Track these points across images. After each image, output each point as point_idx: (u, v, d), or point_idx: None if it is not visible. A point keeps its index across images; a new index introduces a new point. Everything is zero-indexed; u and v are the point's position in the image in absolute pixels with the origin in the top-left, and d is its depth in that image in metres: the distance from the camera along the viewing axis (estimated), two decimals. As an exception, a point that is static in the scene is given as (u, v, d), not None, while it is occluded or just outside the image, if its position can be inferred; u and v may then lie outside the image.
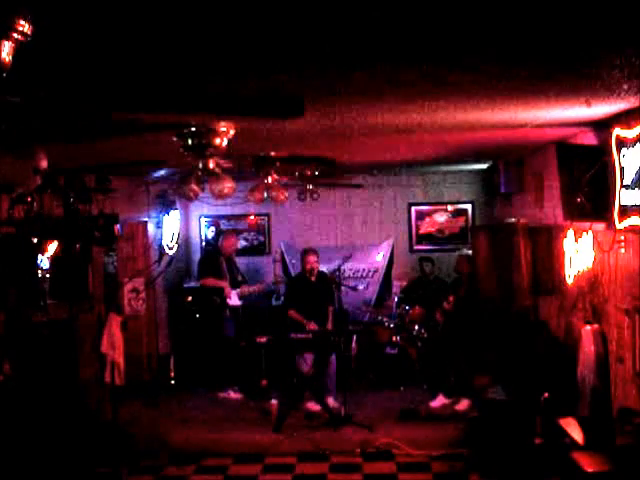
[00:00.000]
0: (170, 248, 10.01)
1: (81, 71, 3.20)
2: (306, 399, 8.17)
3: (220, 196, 5.31)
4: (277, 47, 2.93)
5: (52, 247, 6.37)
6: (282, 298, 10.34)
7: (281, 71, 3.41)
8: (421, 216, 11.42)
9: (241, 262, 10.58)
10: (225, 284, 9.15)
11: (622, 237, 5.14)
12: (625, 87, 3.94)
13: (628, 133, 4.71)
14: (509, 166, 8.62)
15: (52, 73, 3.17)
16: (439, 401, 8.19)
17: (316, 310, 8.39)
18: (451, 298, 8.76)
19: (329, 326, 8.42)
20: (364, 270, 10.58)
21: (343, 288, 9.14)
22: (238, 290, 9.17)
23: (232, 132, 4.75)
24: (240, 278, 9.46)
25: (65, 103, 3.84)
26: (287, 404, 7.95)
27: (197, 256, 11.06)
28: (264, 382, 8.91)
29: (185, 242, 11.24)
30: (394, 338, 9.23)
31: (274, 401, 8.01)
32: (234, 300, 9.11)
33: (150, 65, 3.18)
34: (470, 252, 8.99)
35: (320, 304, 8.41)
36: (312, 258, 8.47)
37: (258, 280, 10.36)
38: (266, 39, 2.80)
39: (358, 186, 10.91)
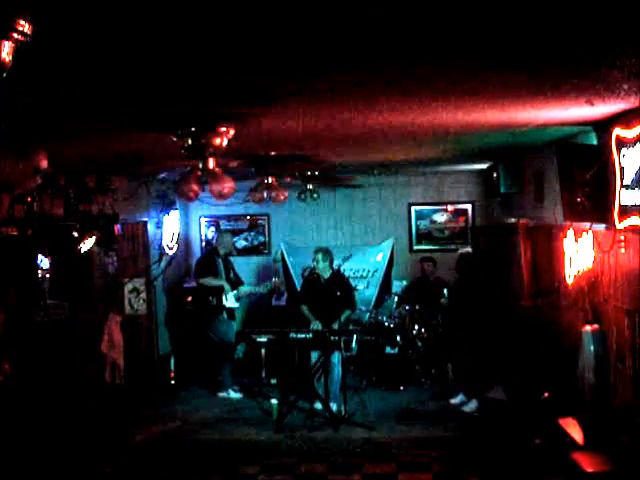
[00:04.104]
0: (170, 248, 10.01)
1: (81, 69, 3.20)
2: (309, 400, 8.18)
3: (220, 196, 5.30)
4: (277, 48, 2.93)
5: (90, 241, 6.37)
6: (282, 298, 10.37)
7: (281, 71, 3.41)
8: (421, 216, 11.43)
9: (241, 262, 10.59)
10: (223, 283, 9.12)
11: (622, 237, 5.14)
12: (625, 87, 3.94)
13: (628, 133, 4.71)
14: (509, 166, 8.61)
15: (54, 72, 3.18)
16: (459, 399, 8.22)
17: (324, 309, 8.35)
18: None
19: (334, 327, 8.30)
20: (364, 270, 10.59)
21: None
22: (235, 292, 9.14)
23: (232, 132, 4.74)
24: (235, 279, 9.44)
25: (65, 102, 3.85)
26: (287, 403, 7.95)
27: (197, 256, 11.06)
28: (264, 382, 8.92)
29: (185, 242, 11.25)
30: (394, 338, 9.24)
31: (274, 401, 8.02)
32: (231, 301, 9.07)
33: (143, 67, 3.19)
34: (471, 251, 9.00)
35: (329, 304, 8.34)
36: (315, 257, 8.48)
37: (258, 280, 10.37)
38: (266, 40, 2.80)
39: (358, 186, 10.92)
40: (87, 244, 6.37)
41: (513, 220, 8.03)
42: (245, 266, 10.82)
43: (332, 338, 7.99)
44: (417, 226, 11.43)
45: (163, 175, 7.54)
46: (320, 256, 8.42)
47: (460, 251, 9.23)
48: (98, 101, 3.89)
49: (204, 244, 11.48)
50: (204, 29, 2.61)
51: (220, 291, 9.02)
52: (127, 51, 2.88)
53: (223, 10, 2.40)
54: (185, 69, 3.28)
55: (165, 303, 10.21)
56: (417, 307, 9.50)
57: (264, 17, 2.49)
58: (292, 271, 10.50)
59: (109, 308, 8.21)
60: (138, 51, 2.90)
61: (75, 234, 6.14)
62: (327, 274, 8.48)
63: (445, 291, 8.91)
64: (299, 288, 9.65)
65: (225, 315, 9.04)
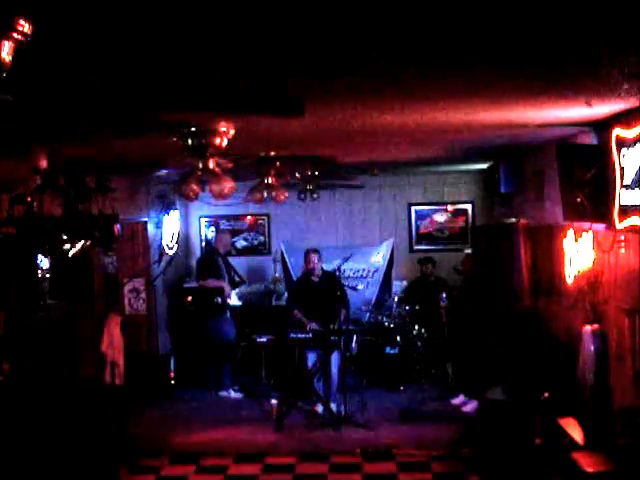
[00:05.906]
0: (170, 248, 10.00)
1: (81, 69, 3.20)
2: (309, 400, 8.17)
3: (220, 196, 5.31)
4: (279, 48, 2.93)
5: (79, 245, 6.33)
6: (282, 298, 10.36)
7: (283, 71, 3.41)
8: (421, 216, 11.43)
9: (241, 262, 10.58)
10: (224, 284, 9.13)
11: (622, 237, 5.14)
12: (625, 87, 3.94)
13: (628, 133, 4.72)
14: (509, 166, 8.61)
15: (53, 71, 3.18)
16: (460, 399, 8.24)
17: (319, 310, 8.34)
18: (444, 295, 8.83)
19: (334, 326, 8.24)
20: (364, 270, 10.58)
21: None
22: (237, 290, 9.15)
23: (232, 132, 4.75)
24: (237, 278, 9.44)
25: (67, 102, 3.85)
26: (287, 403, 7.95)
27: (197, 256, 11.06)
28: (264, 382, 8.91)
29: (185, 242, 11.24)
30: (394, 338, 9.24)
31: (274, 401, 8.01)
32: (233, 300, 9.10)
33: (153, 63, 3.19)
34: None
35: (323, 304, 8.34)
36: (312, 258, 8.43)
37: (258, 280, 10.37)
38: (268, 40, 2.80)
39: (358, 186, 10.91)
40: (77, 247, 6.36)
41: (513, 220, 8.03)
42: (245, 266, 10.82)
43: (332, 338, 7.98)
44: (417, 226, 11.43)
45: (164, 172, 7.50)
46: (317, 257, 8.41)
47: (467, 251, 9.22)
48: (99, 101, 3.89)
49: (204, 244, 11.48)
50: (213, 28, 2.62)
51: (223, 291, 9.03)
52: (129, 50, 2.88)
53: (233, 12, 2.41)
54: (192, 67, 3.28)
55: (165, 303, 10.21)
56: (417, 307, 9.51)
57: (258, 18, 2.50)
58: (292, 271, 10.49)
59: (109, 308, 8.21)
60: (140, 51, 2.90)
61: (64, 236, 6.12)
62: (320, 275, 8.48)
63: (444, 295, 8.91)
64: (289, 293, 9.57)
65: (228, 314, 9.05)
